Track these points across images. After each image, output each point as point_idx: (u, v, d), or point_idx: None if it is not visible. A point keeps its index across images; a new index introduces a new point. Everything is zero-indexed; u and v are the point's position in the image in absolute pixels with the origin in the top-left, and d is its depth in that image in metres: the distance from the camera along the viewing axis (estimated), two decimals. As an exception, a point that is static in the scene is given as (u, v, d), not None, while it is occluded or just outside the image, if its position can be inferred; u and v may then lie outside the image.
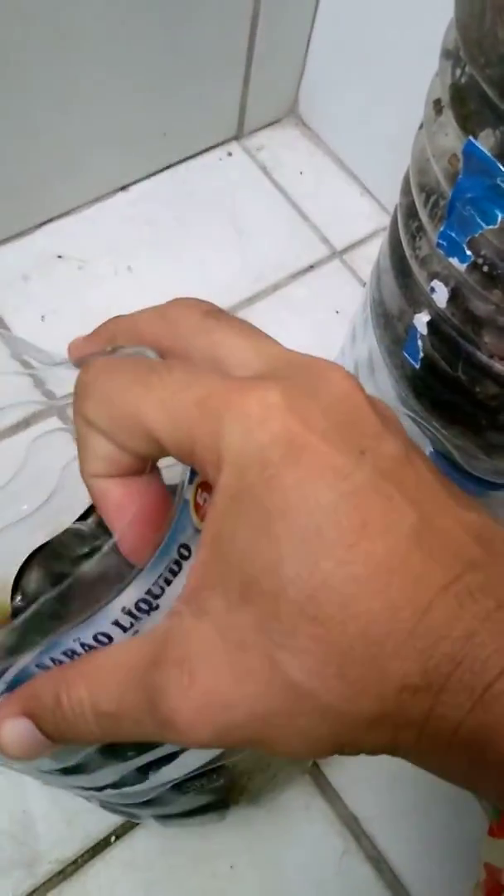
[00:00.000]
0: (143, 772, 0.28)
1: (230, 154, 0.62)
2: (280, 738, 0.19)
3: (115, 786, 0.28)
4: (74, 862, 0.41)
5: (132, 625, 0.22)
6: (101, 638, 0.22)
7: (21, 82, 0.47)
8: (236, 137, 0.62)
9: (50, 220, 0.56)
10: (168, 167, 0.60)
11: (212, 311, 0.22)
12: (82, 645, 0.22)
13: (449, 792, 0.43)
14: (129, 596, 0.22)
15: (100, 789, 0.29)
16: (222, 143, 0.62)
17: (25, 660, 0.22)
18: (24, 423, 0.46)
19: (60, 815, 0.41)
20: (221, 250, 0.57)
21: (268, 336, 0.22)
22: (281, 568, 0.18)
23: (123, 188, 0.58)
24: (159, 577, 0.22)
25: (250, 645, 0.19)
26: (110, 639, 0.22)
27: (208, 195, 0.60)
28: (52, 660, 0.22)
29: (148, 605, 0.22)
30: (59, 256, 0.55)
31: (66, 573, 0.25)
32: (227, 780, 0.32)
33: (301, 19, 0.57)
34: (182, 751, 0.27)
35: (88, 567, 0.24)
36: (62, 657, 0.22)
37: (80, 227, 0.56)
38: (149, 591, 0.22)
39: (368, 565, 0.18)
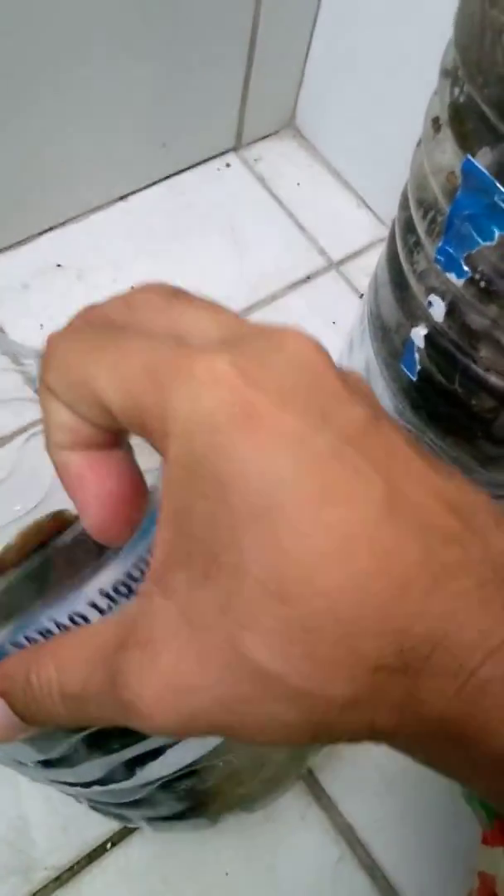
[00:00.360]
0: (130, 768, 0.28)
1: (228, 165, 0.62)
2: (249, 725, 0.18)
3: (101, 782, 0.28)
4: (70, 868, 0.41)
5: (111, 608, 0.22)
6: (76, 619, 0.22)
7: (23, 94, 0.47)
8: (234, 149, 0.63)
9: (50, 229, 0.56)
10: (167, 178, 0.60)
11: (175, 292, 0.21)
12: (57, 625, 0.22)
13: (444, 801, 0.43)
14: (107, 577, 0.22)
15: (87, 785, 0.29)
16: (221, 155, 0.62)
17: None
18: (16, 422, 0.46)
19: (56, 821, 0.41)
20: (219, 260, 0.58)
21: (231, 311, 0.21)
22: (241, 542, 0.17)
23: (123, 198, 0.59)
24: (139, 559, 0.22)
25: (214, 625, 0.18)
26: (87, 620, 0.22)
27: (206, 206, 0.60)
28: (27, 638, 0.22)
29: (128, 589, 0.22)
30: (59, 265, 0.55)
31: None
32: (216, 781, 0.32)
33: (299, 32, 0.57)
34: (168, 746, 0.27)
35: (62, 543, 0.24)
36: (37, 636, 0.22)
37: (79, 237, 0.56)
38: (128, 574, 0.22)
39: (332, 538, 0.17)
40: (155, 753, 0.27)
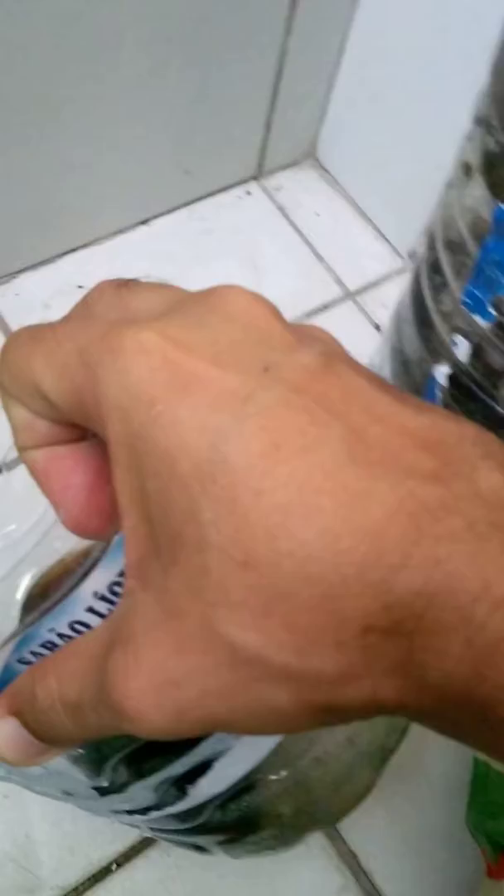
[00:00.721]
0: (180, 788, 0.27)
1: (249, 193, 0.63)
2: (240, 715, 0.17)
3: (157, 807, 0.28)
4: (75, 889, 0.41)
5: (110, 611, 0.21)
6: (77, 627, 0.21)
7: (53, 116, 0.48)
8: (256, 177, 0.64)
9: (72, 251, 0.57)
10: (189, 203, 0.61)
11: (126, 281, 0.20)
12: (60, 636, 0.21)
13: (448, 832, 0.43)
14: (100, 579, 0.21)
15: (144, 812, 0.28)
16: (242, 183, 0.63)
17: (3, 657, 0.22)
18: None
19: (63, 841, 0.42)
20: (238, 287, 0.58)
21: (180, 287, 0.20)
22: (198, 513, 0.16)
23: (144, 222, 0.60)
24: None
25: (187, 609, 0.16)
26: (88, 627, 0.21)
27: (226, 232, 0.61)
28: (33, 653, 0.22)
29: (120, 586, 0.21)
30: (80, 286, 0.56)
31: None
32: (278, 796, 0.31)
33: (326, 65, 0.58)
34: (214, 759, 0.26)
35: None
36: (42, 650, 0.22)
37: (101, 259, 0.57)
38: (122, 573, 0.21)
39: (291, 491, 0.15)
40: (202, 769, 0.26)
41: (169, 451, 0.16)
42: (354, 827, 0.43)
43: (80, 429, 0.20)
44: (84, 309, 0.20)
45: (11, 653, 0.22)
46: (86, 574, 0.21)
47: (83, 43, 0.45)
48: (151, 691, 0.17)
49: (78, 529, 0.21)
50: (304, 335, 0.18)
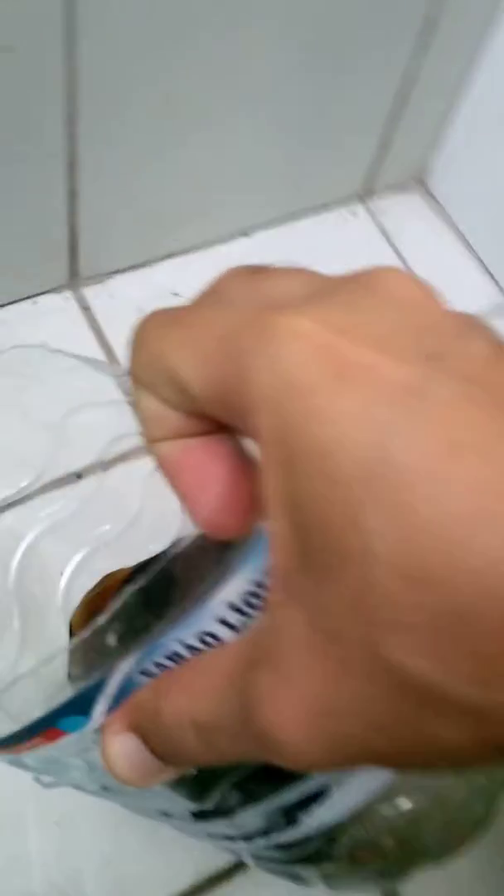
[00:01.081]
0: (291, 814, 0.25)
1: (354, 214, 0.61)
2: (405, 751, 0.15)
3: (264, 833, 0.26)
4: (124, 932, 0.38)
5: (243, 623, 0.19)
6: (206, 638, 0.19)
7: (172, 116, 0.46)
8: (361, 198, 0.61)
9: (170, 256, 0.55)
10: (292, 219, 0.59)
11: (258, 268, 0.19)
12: (187, 647, 0.20)
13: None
14: (234, 588, 0.20)
15: (248, 838, 0.26)
16: (347, 203, 0.61)
17: (125, 668, 0.20)
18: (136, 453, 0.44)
19: (113, 878, 0.39)
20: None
21: (318, 271, 0.18)
22: (362, 521, 0.14)
23: (245, 234, 0.58)
24: (269, 563, 0.20)
25: (347, 630, 0.14)
26: (217, 639, 0.19)
27: (327, 251, 0.59)
28: (157, 664, 0.20)
29: (260, 599, 0.19)
30: (175, 294, 0.54)
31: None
32: (389, 829, 0.28)
33: (450, 90, 0.56)
34: (333, 785, 0.24)
35: (177, 550, 0.21)
36: (166, 662, 0.20)
37: (198, 267, 0.55)
38: (257, 583, 0.19)
39: (472, 496, 0.13)
40: (318, 796, 0.24)
41: (328, 449, 0.14)
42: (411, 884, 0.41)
43: (213, 422, 0.18)
44: (214, 296, 0.19)
45: (134, 663, 0.20)
46: (217, 581, 0.20)
47: (214, 45, 0.44)
48: (305, 721, 0.15)
49: (210, 529, 0.19)
50: (466, 322, 0.16)
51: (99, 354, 0.51)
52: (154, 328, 0.18)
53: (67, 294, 0.53)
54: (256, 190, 0.55)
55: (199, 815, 0.25)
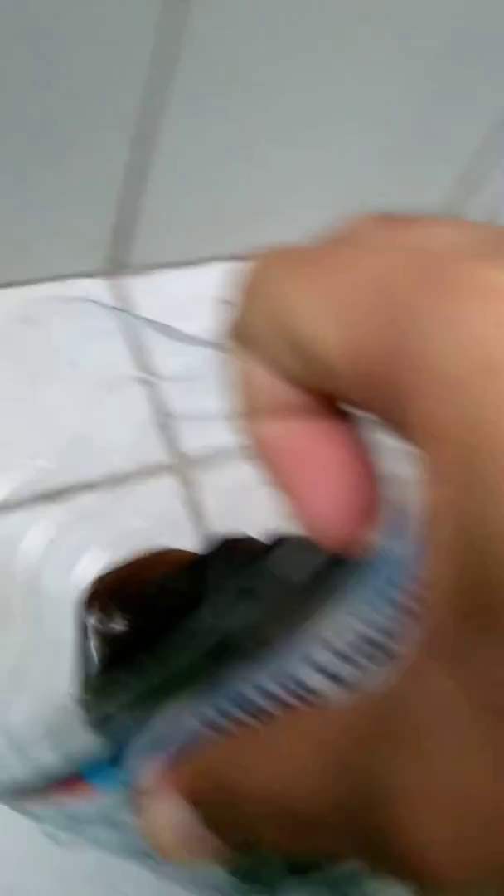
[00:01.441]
0: (341, 891, 0.21)
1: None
2: None
3: None
4: None
5: (350, 674, 0.15)
6: (293, 687, 0.15)
7: (266, 111, 0.43)
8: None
9: (218, 259, 0.51)
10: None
11: (398, 214, 0.15)
12: (265, 694, 0.16)
13: None
14: (339, 625, 0.16)
15: None
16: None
17: (176, 710, 0.16)
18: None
19: None
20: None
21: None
22: None
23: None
24: (388, 600, 0.15)
25: None
26: (309, 690, 0.15)
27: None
28: (221, 712, 0.16)
29: (373, 645, 0.15)
30: (224, 300, 0.49)
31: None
32: None
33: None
34: None
35: (282, 551, 0.18)
36: (234, 710, 0.16)
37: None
38: (372, 623, 0.15)
39: None
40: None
41: None
42: None
43: (330, 401, 0.15)
44: (348, 243, 0.15)
45: (190, 706, 0.16)
46: (315, 611, 0.16)
47: (324, 48, 0.41)
48: (459, 832, 0.12)
49: (314, 531, 0.15)
50: None
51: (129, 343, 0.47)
52: (276, 267, 0.14)
53: (109, 281, 0.48)
54: (326, 198, 0.51)
55: (248, 891, 0.21)
